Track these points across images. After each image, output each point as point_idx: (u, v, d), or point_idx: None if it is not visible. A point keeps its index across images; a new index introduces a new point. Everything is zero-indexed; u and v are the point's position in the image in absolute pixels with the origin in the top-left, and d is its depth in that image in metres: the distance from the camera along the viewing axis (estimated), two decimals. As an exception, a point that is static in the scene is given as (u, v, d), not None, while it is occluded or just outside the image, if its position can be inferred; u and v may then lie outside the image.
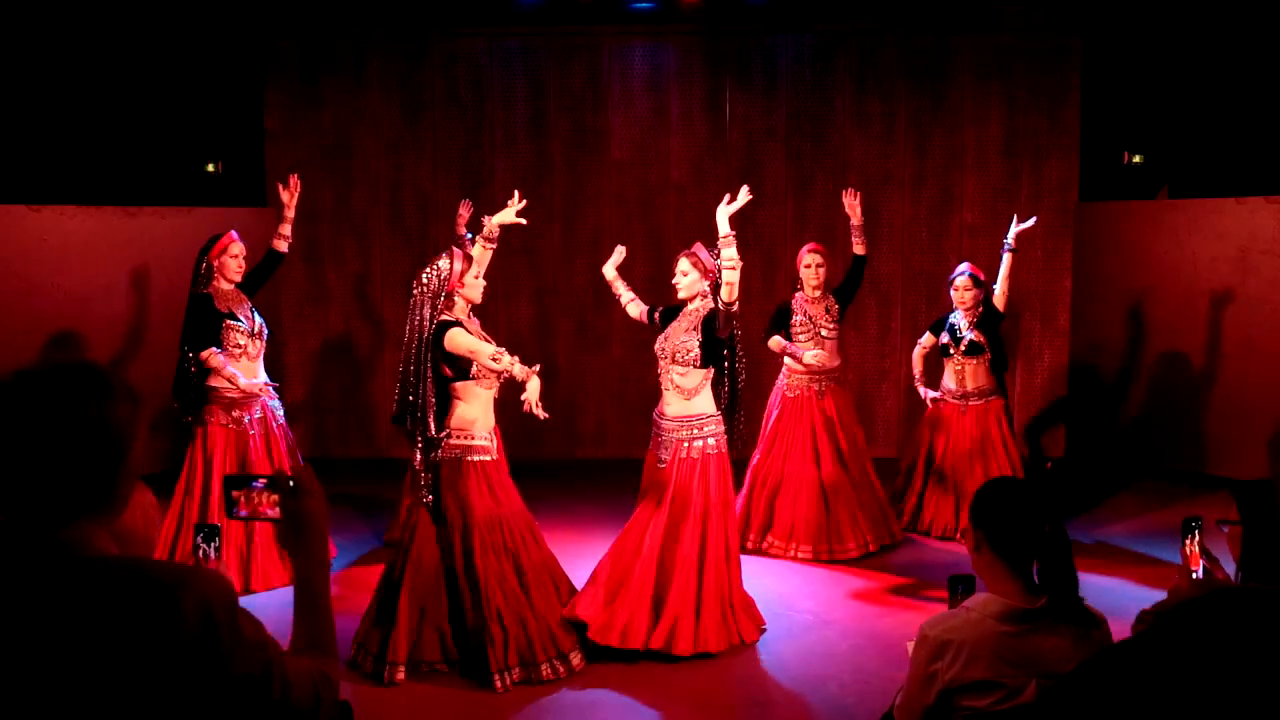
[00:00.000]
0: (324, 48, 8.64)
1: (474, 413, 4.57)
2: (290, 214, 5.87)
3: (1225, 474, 7.34)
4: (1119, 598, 5.14)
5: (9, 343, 7.25)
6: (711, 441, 4.87)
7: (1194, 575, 2.60)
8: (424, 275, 4.49)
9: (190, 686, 1.44)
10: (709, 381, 4.91)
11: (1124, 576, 5.77)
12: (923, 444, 6.78)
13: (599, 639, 4.61)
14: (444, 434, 4.52)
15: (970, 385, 6.53)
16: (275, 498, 1.87)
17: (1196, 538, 2.66)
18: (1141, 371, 8.28)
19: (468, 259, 4.61)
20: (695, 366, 4.83)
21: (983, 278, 6.53)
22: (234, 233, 5.74)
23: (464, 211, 6.81)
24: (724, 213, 4.75)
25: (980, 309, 6.46)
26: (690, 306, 4.93)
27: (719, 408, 4.94)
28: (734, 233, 4.71)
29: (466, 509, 4.48)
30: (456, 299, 4.57)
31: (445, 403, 4.55)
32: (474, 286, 4.61)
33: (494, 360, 4.42)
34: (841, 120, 8.73)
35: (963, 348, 6.46)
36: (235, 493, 1.90)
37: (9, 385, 1.52)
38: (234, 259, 5.62)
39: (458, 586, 4.49)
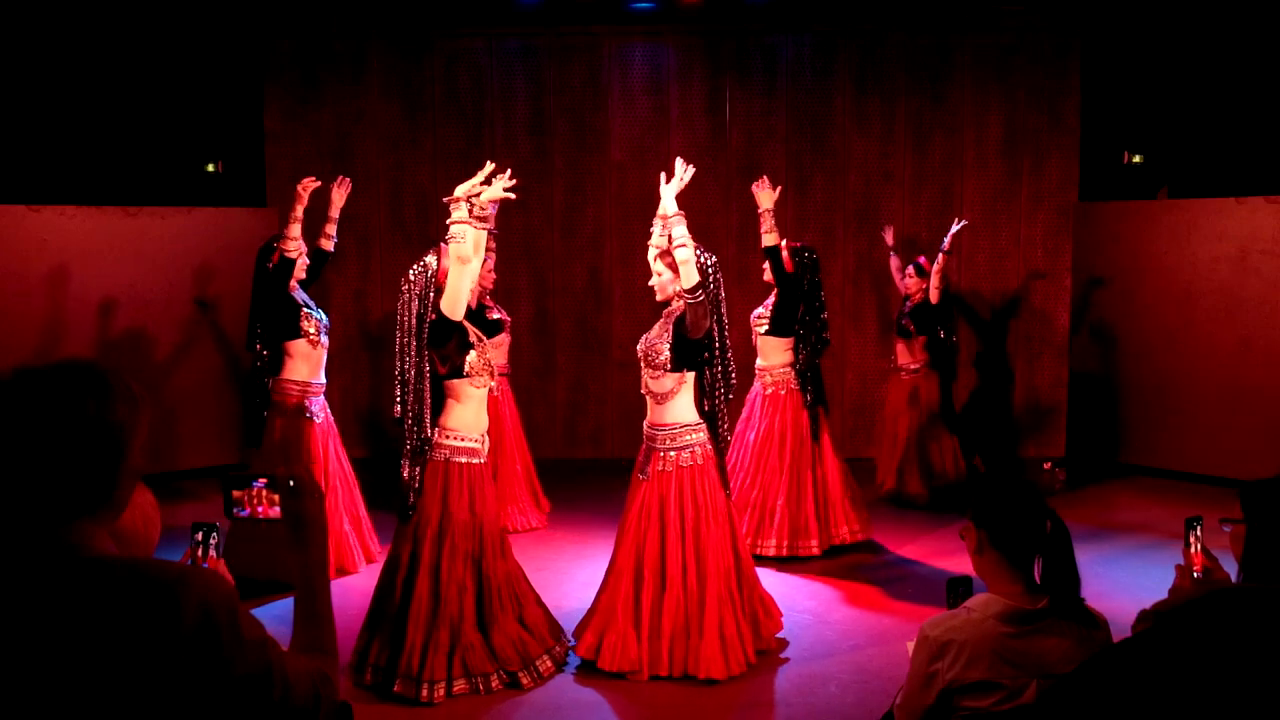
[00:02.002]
0: (324, 48, 8.64)
1: (466, 413, 4.48)
2: (335, 214, 5.97)
3: (1225, 474, 7.35)
4: (1119, 598, 5.14)
5: (9, 343, 7.26)
6: (686, 454, 4.58)
7: (1195, 575, 2.60)
8: (411, 273, 4.44)
9: (191, 686, 1.44)
10: (685, 387, 4.62)
11: (1124, 576, 5.77)
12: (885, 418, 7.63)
13: (606, 666, 4.50)
14: (434, 433, 4.45)
15: (902, 360, 7.41)
16: (275, 497, 1.87)
17: (1198, 537, 2.65)
18: (1141, 371, 8.28)
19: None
20: (667, 370, 4.55)
21: (928, 269, 7.26)
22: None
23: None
24: (669, 191, 4.56)
25: (920, 297, 7.23)
26: (670, 308, 4.70)
27: (701, 415, 4.66)
28: (682, 212, 4.46)
29: (445, 512, 4.41)
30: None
31: (439, 401, 4.48)
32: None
33: (462, 230, 4.23)
34: (841, 120, 8.73)
35: (896, 328, 7.44)
36: (236, 492, 1.90)
37: (8, 384, 1.52)
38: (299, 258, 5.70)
39: (413, 589, 4.38)
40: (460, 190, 4.38)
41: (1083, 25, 8.54)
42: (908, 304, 7.36)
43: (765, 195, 6.04)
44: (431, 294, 4.41)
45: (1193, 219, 7.97)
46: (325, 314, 5.92)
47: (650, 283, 4.73)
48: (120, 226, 7.90)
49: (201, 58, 8.34)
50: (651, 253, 4.75)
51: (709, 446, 4.67)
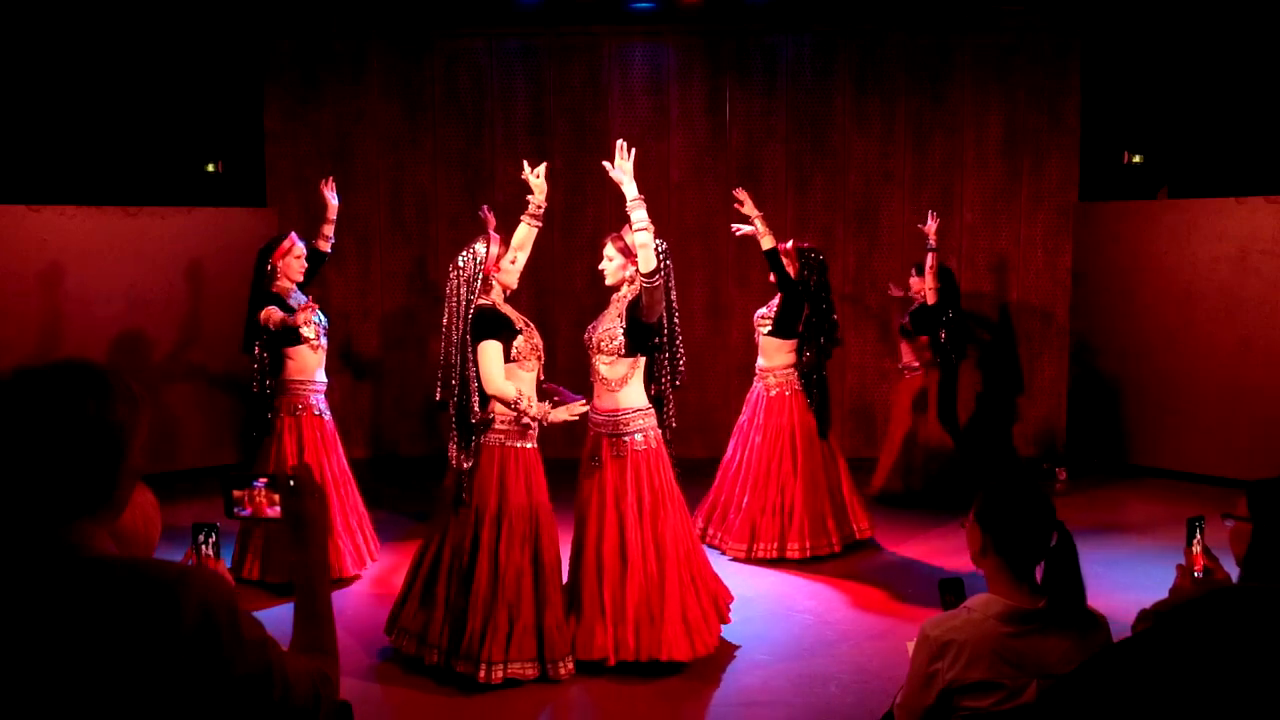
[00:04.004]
0: (324, 48, 8.64)
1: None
2: (332, 215, 5.98)
3: (1225, 474, 7.34)
4: (1119, 598, 5.13)
5: (9, 343, 7.26)
6: (639, 438, 4.62)
7: (1195, 575, 2.59)
8: (460, 259, 4.47)
9: (191, 687, 1.44)
10: (638, 373, 4.65)
11: (1124, 576, 5.76)
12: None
13: (580, 655, 4.54)
14: (489, 416, 4.46)
15: (904, 360, 7.53)
16: (275, 497, 1.87)
17: (1200, 537, 2.65)
18: (1141, 371, 8.28)
19: (504, 243, 4.58)
20: (620, 355, 4.58)
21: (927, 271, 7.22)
22: (294, 234, 5.82)
23: (490, 217, 6.72)
24: (625, 174, 4.45)
25: (921, 299, 7.23)
26: (618, 293, 4.72)
27: (650, 400, 4.69)
28: (641, 196, 4.43)
29: (503, 496, 4.44)
30: (493, 283, 4.53)
31: None
32: (510, 271, 4.56)
33: (516, 408, 4.41)
34: (841, 120, 8.73)
35: (900, 329, 7.56)
36: (236, 492, 1.89)
37: (8, 384, 1.52)
38: (297, 260, 5.70)
39: (473, 572, 4.41)
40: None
41: (1083, 25, 8.54)
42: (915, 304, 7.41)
43: (748, 207, 6.08)
44: (478, 281, 4.46)
45: (1193, 219, 7.97)
46: (324, 314, 5.93)
47: (600, 267, 4.76)
48: (120, 226, 7.90)
49: (201, 58, 8.34)
50: (603, 263, 4.76)
51: (659, 431, 4.71)
